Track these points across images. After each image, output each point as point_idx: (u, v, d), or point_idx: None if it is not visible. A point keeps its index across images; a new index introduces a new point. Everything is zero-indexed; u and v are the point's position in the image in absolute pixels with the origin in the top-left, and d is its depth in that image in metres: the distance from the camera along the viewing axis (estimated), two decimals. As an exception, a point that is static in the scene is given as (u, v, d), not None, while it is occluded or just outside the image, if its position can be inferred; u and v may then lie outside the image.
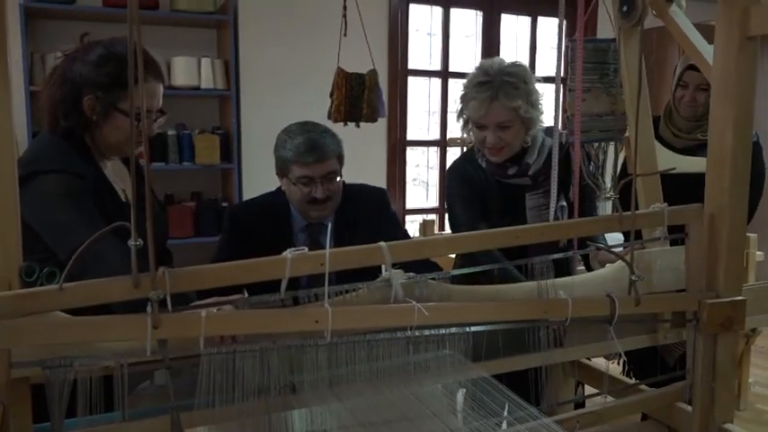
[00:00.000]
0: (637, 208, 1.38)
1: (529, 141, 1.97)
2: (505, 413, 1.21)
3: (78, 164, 1.49)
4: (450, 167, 2.17)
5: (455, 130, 4.53)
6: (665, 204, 1.44)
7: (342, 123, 2.23)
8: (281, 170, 1.90)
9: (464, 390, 1.27)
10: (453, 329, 1.26)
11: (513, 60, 1.98)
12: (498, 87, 1.87)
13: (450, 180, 2.10)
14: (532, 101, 1.91)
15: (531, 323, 1.35)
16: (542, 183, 1.97)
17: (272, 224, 1.93)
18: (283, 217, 1.94)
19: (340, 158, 1.90)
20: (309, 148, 1.82)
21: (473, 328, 1.28)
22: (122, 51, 1.50)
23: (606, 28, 1.87)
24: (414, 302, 1.16)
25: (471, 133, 1.97)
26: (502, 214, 1.98)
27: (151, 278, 0.97)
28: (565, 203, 1.90)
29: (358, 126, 2.21)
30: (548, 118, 2.04)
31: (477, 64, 1.97)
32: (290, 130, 1.89)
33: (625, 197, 1.42)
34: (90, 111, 1.50)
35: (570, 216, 1.89)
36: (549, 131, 1.99)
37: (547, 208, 1.91)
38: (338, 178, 1.89)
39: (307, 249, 1.13)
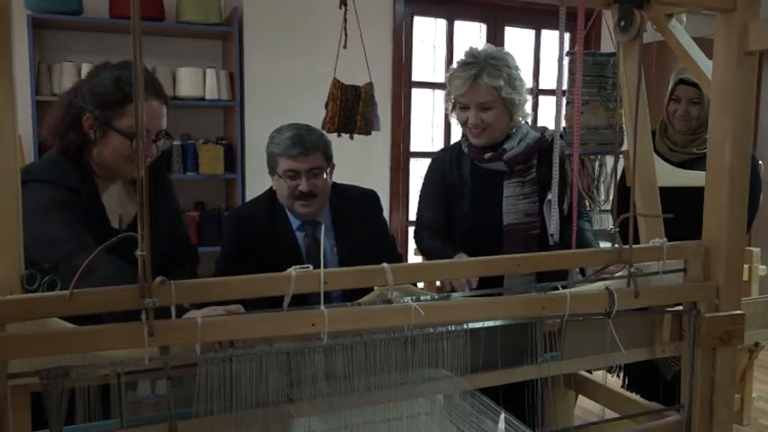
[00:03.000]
0: (635, 224, 1.38)
1: (513, 130, 2.04)
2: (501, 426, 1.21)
3: (73, 179, 1.50)
4: (432, 158, 2.26)
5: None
6: (665, 240, 1.42)
7: (337, 134, 2.23)
8: (271, 166, 2.01)
9: (461, 403, 1.27)
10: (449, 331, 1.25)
11: (502, 48, 2.10)
12: (482, 67, 1.96)
13: (427, 174, 2.20)
14: (515, 85, 1.99)
15: (529, 320, 1.34)
16: (519, 172, 2.03)
17: (270, 222, 2.02)
18: (281, 215, 2.03)
19: (327, 157, 1.99)
20: (295, 141, 1.93)
21: (470, 327, 1.27)
22: (124, 73, 1.52)
23: (609, 41, 1.88)
24: (410, 301, 1.16)
25: (456, 115, 2.08)
26: (478, 200, 2.05)
27: (148, 287, 0.97)
28: (550, 198, 1.90)
29: (351, 138, 2.23)
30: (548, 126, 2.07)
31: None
32: (279, 128, 2.02)
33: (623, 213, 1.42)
34: (88, 129, 1.52)
35: (564, 223, 1.89)
36: (537, 129, 2.08)
37: (524, 198, 2.01)
38: (324, 176, 1.97)
39: (311, 267, 1.12)
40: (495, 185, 2.04)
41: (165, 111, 1.60)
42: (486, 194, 2.05)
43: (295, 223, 2.02)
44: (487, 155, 2.04)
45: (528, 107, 2.08)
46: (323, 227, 1.82)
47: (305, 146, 1.93)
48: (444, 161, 2.15)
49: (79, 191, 1.49)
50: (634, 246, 1.34)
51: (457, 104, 2.05)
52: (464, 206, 2.06)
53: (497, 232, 2.01)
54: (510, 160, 2.02)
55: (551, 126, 1.99)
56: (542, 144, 2.02)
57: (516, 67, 2.02)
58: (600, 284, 1.54)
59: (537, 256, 1.44)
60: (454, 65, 2.05)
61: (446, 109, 2.15)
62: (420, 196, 2.23)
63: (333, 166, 2.04)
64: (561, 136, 1.80)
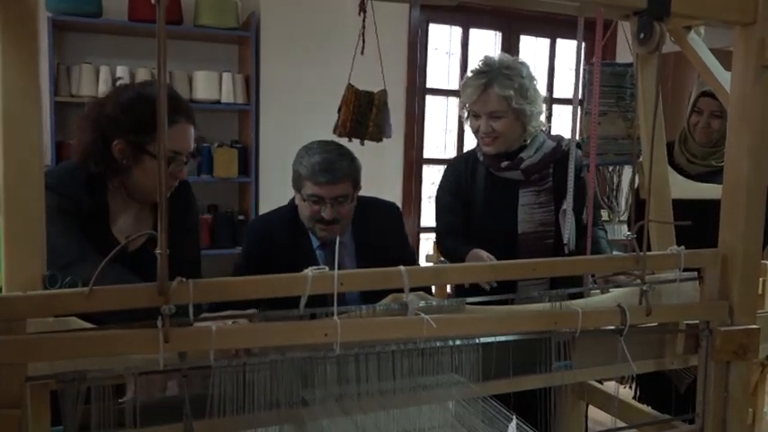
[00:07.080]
0: (649, 239, 1.37)
1: (528, 140, 2.04)
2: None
3: (79, 191, 1.48)
4: (448, 164, 2.28)
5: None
6: (682, 247, 1.42)
7: (348, 139, 2.24)
8: (296, 184, 1.91)
9: (473, 410, 1.27)
10: (463, 344, 1.26)
11: (517, 58, 2.08)
12: (494, 77, 1.96)
13: (442, 181, 2.20)
14: (528, 96, 1.98)
15: (541, 334, 1.34)
16: (535, 181, 2.03)
17: (291, 240, 1.94)
18: (302, 233, 1.95)
19: (355, 183, 1.89)
20: (324, 168, 1.82)
21: (483, 341, 1.28)
22: (153, 94, 1.46)
23: (625, 51, 1.88)
24: (422, 314, 1.17)
25: (470, 123, 2.08)
26: (493, 207, 2.06)
27: (167, 289, 0.98)
28: (566, 208, 1.91)
29: (362, 143, 2.23)
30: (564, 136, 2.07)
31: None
32: (310, 147, 1.90)
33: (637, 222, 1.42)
34: (120, 155, 1.48)
35: (579, 231, 1.89)
36: (553, 138, 2.09)
37: (539, 207, 2.01)
38: (349, 202, 1.88)
39: (327, 268, 1.13)
40: (510, 194, 2.05)
41: (193, 131, 1.56)
42: (500, 202, 2.05)
43: (315, 242, 1.95)
44: (504, 163, 2.04)
45: (543, 118, 2.08)
46: (337, 241, 1.69)
47: (334, 174, 1.82)
48: (459, 168, 2.16)
49: (82, 204, 1.47)
50: (651, 253, 1.34)
51: (470, 113, 2.06)
52: (478, 213, 2.07)
53: (512, 240, 2.01)
54: (527, 169, 2.02)
55: (567, 135, 2.01)
56: (558, 153, 2.03)
57: (530, 78, 2.01)
58: (612, 296, 1.55)
59: (553, 261, 1.44)
60: (469, 73, 2.06)
61: (461, 117, 2.16)
62: (437, 204, 2.22)
63: (359, 189, 1.95)
64: (579, 146, 1.81)
